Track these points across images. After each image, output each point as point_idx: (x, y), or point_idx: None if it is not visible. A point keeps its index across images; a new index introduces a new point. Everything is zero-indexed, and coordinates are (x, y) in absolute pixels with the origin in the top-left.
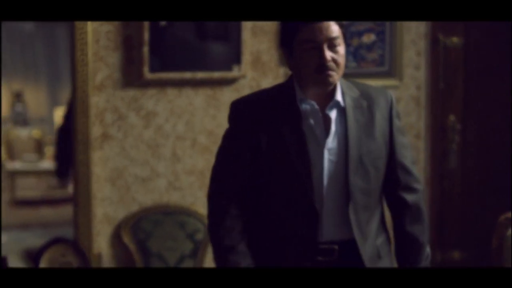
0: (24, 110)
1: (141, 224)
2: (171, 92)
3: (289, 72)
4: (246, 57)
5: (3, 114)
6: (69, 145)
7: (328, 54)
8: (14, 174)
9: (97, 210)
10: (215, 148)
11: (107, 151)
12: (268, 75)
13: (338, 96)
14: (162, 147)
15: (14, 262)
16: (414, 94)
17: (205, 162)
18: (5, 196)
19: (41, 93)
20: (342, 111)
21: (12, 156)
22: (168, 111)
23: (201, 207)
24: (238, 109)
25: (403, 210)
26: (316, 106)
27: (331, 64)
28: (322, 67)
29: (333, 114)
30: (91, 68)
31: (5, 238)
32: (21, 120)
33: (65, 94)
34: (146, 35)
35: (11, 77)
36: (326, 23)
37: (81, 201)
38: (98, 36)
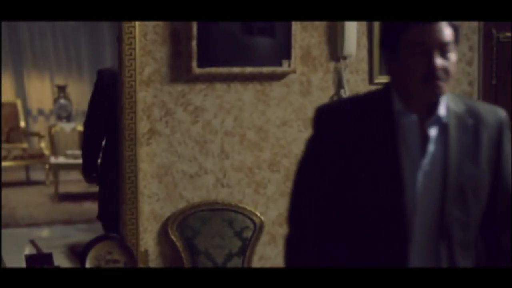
0: (68, 105)
1: (189, 221)
2: (219, 87)
3: (339, 67)
4: (296, 51)
5: (47, 108)
6: (95, 142)
7: (439, 61)
8: (58, 168)
9: (144, 207)
10: (264, 144)
11: (154, 147)
12: (318, 70)
13: (441, 111)
14: (210, 143)
15: (59, 258)
16: (466, 90)
17: (254, 158)
18: (49, 191)
19: (85, 87)
20: (443, 129)
21: (56, 150)
22: (217, 107)
23: (250, 204)
24: (325, 116)
25: (494, 254)
26: (416, 121)
27: (441, 73)
28: (430, 76)
29: (433, 131)
30: (139, 62)
31: (48, 233)
32: (65, 114)
33: None
34: (194, 29)
35: (55, 72)
36: (439, 25)
37: (128, 198)
38: (145, 30)
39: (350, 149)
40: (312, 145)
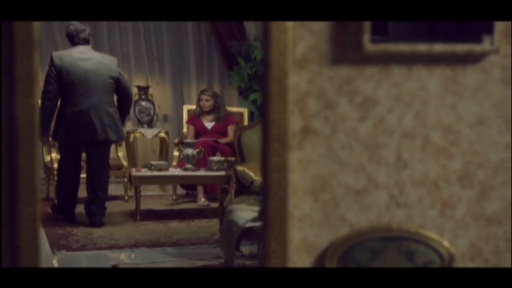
0: (151, 108)
1: (354, 254)
2: (397, 71)
3: None
4: (500, 25)
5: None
6: (50, 109)
7: None
8: (140, 182)
9: (294, 234)
10: (453, 150)
11: (308, 151)
12: None
13: None
14: (384, 148)
15: None
16: None
17: (440, 169)
18: (129, 207)
19: (167, 89)
20: None
21: (135, 160)
22: (393, 98)
23: (434, 230)
24: None
25: None
26: None
27: None
28: None
29: None
30: (291, 36)
31: (131, 257)
32: (147, 119)
33: (191, 91)
34: None
35: (134, 72)
36: None
37: (273, 221)
38: None
39: None
40: None
